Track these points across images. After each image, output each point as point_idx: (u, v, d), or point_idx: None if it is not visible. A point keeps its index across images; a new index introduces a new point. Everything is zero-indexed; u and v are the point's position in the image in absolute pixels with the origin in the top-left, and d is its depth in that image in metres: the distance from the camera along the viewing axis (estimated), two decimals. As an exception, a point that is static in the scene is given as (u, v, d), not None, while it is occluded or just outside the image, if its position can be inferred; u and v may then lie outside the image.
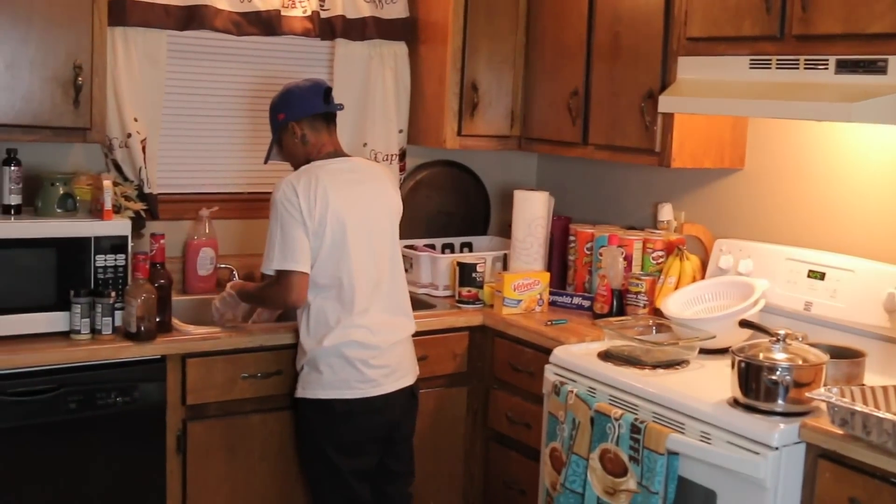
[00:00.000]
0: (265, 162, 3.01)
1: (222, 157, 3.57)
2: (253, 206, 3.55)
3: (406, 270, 3.50)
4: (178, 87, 3.43)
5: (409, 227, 3.69)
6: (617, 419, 2.60)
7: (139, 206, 3.20)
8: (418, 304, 3.39)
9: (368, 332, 2.82)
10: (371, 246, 2.86)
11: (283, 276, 2.77)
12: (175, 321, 2.97)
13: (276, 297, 2.83)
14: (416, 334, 3.04)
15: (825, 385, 2.42)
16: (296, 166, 2.93)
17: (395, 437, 2.94)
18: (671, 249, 3.33)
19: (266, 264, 2.78)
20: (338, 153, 2.92)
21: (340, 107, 2.95)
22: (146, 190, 3.29)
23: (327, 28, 3.58)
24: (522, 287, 3.35)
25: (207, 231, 3.45)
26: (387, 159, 3.75)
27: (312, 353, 2.81)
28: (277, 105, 2.92)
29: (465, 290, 3.44)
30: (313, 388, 2.83)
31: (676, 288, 3.20)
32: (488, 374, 3.37)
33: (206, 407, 2.92)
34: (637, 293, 3.26)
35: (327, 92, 2.91)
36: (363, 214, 2.85)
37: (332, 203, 2.77)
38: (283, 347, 2.97)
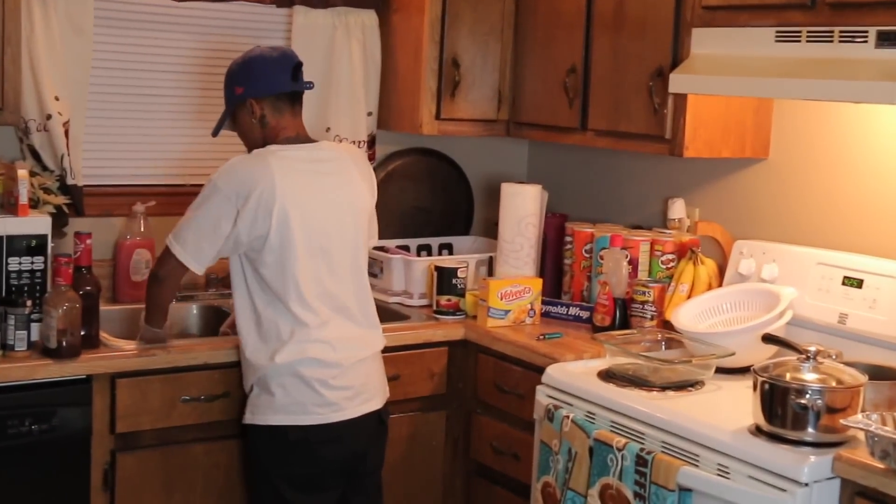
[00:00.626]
0: (214, 134, 3.01)
1: (160, 143, 3.57)
2: (197, 201, 3.52)
3: (375, 276, 3.51)
4: (108, 60, 3.42)
5: (380, 226, 3.66)
6: (620, 449, 2.59)
7: (61, 199, 3.20)
8: (390, 314, 3.40)
9: (328, 348, 2.81)
10: (328, 248, 2.86)
11: (169, 254, 2.84)
12: (103, 335, 2.95)
13: (156, 266, 2.91)
14: (387, 350, 3.05)
15: (863, 411, 2.41)
16: (250, 148, 2.93)
17: (360, 471, 2.94)
18: (683, 252, 3.34)
19: (171, 238, 2.83)
20: (300, 138, 2.93)
21: (310, 85, 2.96)
22: (69, 181, 3.28)
23: (284, -8, 3.61)
24: (511, 295, 3.35)
25: (142, 229, 3.44)
26: (353, 147, 3.73)
27: (262, 370, 2.81)
28: (236, 75, 2.91)
29: (443, 299, 3.44)
30: (264, 412, 2.82)
31: (689, 297, 3.22)
32: (470, 397, 3.37)
33: (139, 435, 2.90)
34: (643, 303, 3.25)
35: (297, 67, 2.91)
36: (319, 211, 2.85)
37: (281, 197, 2.77)
38: (231, 365, 2.97)
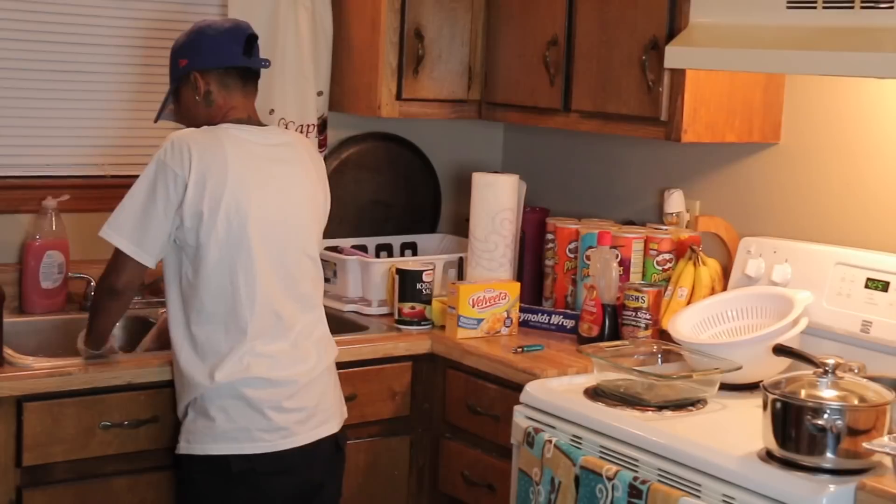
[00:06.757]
0: (156, 120, 3.05)
1: (75, 128, 3.58)
2: (119, 195, 3.44)
3: (328, 280, 3.49)
4: (10, 28, 3.42)
5: (333, 223, 3.68)
6: (610, 478, 2.60)
7: (-44, 193, 3.23)
8: (344, 325, 3.41)
9: (274, 363, 2.83)
10: (282, 247, 2.88)
11: (121, 255, 2.82)
12: (8, 351, 2.94)
13: (104, 276, 2.87)
14: (342, 366, 3.08)
15: (890, 433, 2.42)
16: None
17: (314, 505, 2.96)
18: (682, 251, 3.37)
19: (108, 230, 2.82)
20: (252, 121, 2.97)
21: (266, 63, 3.02)
22: (-34, 171, 3.32)
23: (220, -47, 3.64)
24: (484, 302, 3.36)
25: (54, 228, 3.44)
26: (301, 131, 3.75)
27: (200, 391, 2.81)
28: (181, 47, 2.97)
29: (407, 307, 3.44)
30: (202, 440, 2.83)
31: (689, 302, 3.24)
32: (438, 419, 3.39)
33: (50, 469, 2.88)
34: (636, 310, 3.26)
35: (250, 40, 2.95)
36: (275, 204, 2.88)
37: (232, 183, 2.79)
38: (160, 385, 2.97)
